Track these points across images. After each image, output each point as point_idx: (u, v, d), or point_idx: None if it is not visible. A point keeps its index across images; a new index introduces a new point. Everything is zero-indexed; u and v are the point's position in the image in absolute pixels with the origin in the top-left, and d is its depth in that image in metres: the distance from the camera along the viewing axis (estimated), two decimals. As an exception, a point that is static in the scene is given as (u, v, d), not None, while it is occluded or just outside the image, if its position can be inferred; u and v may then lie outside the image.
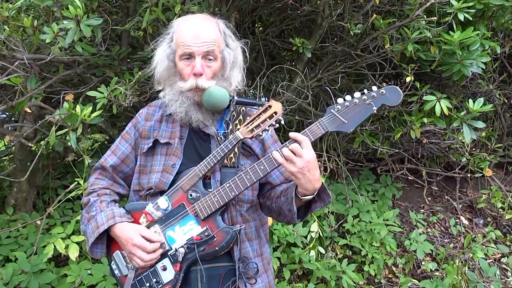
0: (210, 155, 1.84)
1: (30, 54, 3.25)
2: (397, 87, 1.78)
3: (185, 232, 1.85)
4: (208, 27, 1.89)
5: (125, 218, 1.89)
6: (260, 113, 1.83)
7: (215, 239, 1.81)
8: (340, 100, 1.80)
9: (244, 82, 2.07)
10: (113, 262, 1.96)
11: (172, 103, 1.93)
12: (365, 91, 1.80)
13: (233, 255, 1.87)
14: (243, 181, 1.80)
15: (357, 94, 1.79)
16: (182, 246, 1.83)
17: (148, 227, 1.88)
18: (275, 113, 1.81)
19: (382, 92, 1.78)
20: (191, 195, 1.85)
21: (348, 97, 1.80)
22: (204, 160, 1.84)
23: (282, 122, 1.85)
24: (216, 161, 1.83)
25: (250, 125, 1.83)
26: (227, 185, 1.81)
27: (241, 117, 2.04)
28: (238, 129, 1.96)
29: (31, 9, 3.49)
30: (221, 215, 1.85)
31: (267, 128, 1.82)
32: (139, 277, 1.89)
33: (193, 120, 1.93)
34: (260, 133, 1.82)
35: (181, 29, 1.90)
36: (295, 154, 1.70)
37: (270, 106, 1.82)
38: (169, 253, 1.86)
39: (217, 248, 1.81)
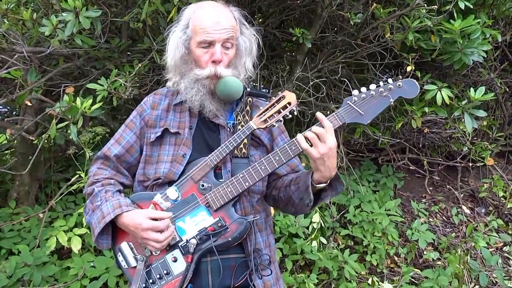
0: (222, 145, 1.82)
1: (30, 47, 3.24)
2: (414, 80, 1.78)
3: (197, 223, 1.82)
4: (225, 14, 1.87)
5: (131, 207, 1.85)
6: (274, 104, 1.82)
7: (229, 230, 1.79)
8: (355, 92, 1.78)
9: (254, 71, 2.04)
10: (119, 254, 1.92)
11: (188, 91, 1.90)
12: (381, 83, 1.79)
13: (245, 246, 1.86)
14: (258, 171, 1.79)
15: (372, 86, 1.78)
16: (194, 237, 1.80)
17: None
18: (289, 103, 1.80)
19: (399, 85, 1.77)
20: (202, 185, 1.82)
21: (363, 89, 1.78)
22: (215, 150, 1.82)
23: (296, 113, 1.83)
24: (228, 151, 1.81)
25: (263, 115, 1.81)
26: (241, 175, 1.79)
27: (248, 107, 2.02)
28: (247, 120, 1.95)
29: (30, 2, 3.48)
30: (234, 206, 1.83)
31: (280, 119, 1.81)
32: (148, 269, 1.85)
33: (206, 110, 1.91)
34: (274, 124, 1.81)
35: (199, 15, 1.87)
36: (319, 139, 1.69)
37: (284, 97, 1.81)
38: (179, 244, 1.82)
39: (230, 239, 1.79)
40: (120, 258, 1.92)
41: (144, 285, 1.85)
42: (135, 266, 1.86)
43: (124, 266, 1.91)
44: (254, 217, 1.83)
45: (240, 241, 1.82)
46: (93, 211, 1.89)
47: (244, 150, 1.91)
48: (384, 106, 1.78)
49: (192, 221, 1.83)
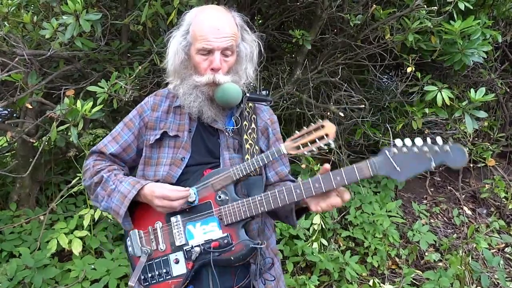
0: (248, 161, 1.82)
1: (30, 50, 3.25)
2: (465, 149, 1.60)
3: (206, 231, 1.83)
4: (226, 21, 1.85)
5: (148, 181, 1.86)
6: (311, 131, 1.76)
7: (233, 249, 1.79)
8: (398, 142, 1.63)
9: (255, 76, 2.03)
10: (128, 238, 1.95)
11: (186, 97, 1.89)
12: (428, 140, 1.61)
13: (250, 267, 1.87)
14: (276, 200, 1.75)
15: (418, 142, 1.61)
16: (199, 245, 1.81)
17: (169, 216, 1.87)
18: (327, 135, 1.74)
19: (446, 150, 1.59)
20: (220, 196, 1.82)
21: (408, 142, 1.62)
22: (241, 165, 1.81)
23: (332, 146, 1.76)
24: (253, 168, 1.81)
25: (297, 140, 1.77)
26: (259, 198, 1.77)
27: (253, 114, 2.02)
28: (253, 128, 1.96)
29: (31, 5, 3.49)
30: (245, 225, 1.83)
31: (314, 149, 1.76)
32: (150, 262, 1.88)
33: (205, 116, 1.90)
34: (305, 153, 1.77)
35: (199, 21, 1.85)
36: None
37: (323, 126, 1.75)
38: (184, 248, 1.84)
39: (232, 258, 1.79)
40: (129, 243, 1.96)
41: (143, 276, 1.89)
42: (140, 256, 1.90)
43: (131, 252, 1.95)
44: (261, 244, 1.81)
45: (243, 263, 1.83)
46: (109, 196, 1.88)
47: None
48: (423, 169, 1.62)
49: (202, 228, 1.84)
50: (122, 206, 1.83)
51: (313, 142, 1.76)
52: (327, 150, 1.79)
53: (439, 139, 1.60)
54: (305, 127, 1.80)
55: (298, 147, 1.77)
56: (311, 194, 1.71)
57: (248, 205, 1.78)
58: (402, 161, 1.61)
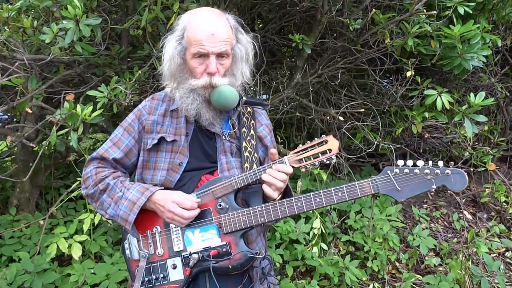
0: (250, 171, 1.83)
1: (31, 54, 3.25)
2: (465, 174, 1.65)
3: (204, 239, 1.84)
4: (221, 25, 1.85)
5: (158, 188, 1.87)
6: (314, 145, 1.81)
7: (231, 258, 1.80)
8: (400, 162, 1.70)
9: (252, 78, 2.04)
10: (126, 241, 1.97)
11: (184, 100, 1.90)
12: (430, 163, 1.68)
13: (251, 273, 1.88)
14: (276, 211, 1.78)
15: (420, 163, 1.68)
16: (197, 252, 1.82)
17: (168, 222, 1.87)
18: (330, 150, 1.79)
19: (447, 173, 1.65)
20: (220, 204, 1.83)
21: (410, 163, 1.69)
22: (243, 174, 1.83)
23: (334, 161, 1.82)
24: (255, 179, 1.82)
25: (300, 154, 1.81)
26: (259, 208, 1.79)
27: (252, 119, 2.04)
28: (252, 135, 1.96)
29: (31, 9, 3.50)
30: (243, 234, 1.84)
31: (316, 163, 1.80)
32: (148, 266, 1.89)
33: (202, 118, 1.91)
34: (307, 166, 1.81)
35: (194, 26, 1.85)
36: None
37: (326, 141, 1.80)
38: (182, 254, 1.85)
39: (230, 267, 1.80)
40: (126, 246, 1.97)
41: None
42: (138, 259, 1.91)
43: (128, 255, 1.96)
44: (259, 254, 1.82)
45: (241, 272, 1.84)
46: (116, 203, 1.88)
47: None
48: (423, 190, 1.68)
49: (201, 235, 1.85)
50: (131, 213, 1.83)
51: (315, 156, 1.80)
52: (327, 163, 1.81)
53: (440, 163, 1.66)
54: (308, 141, 1.84)
55: (300, 160, 1.81)
56: (311, 208, 1.75)
57: (248, 215, 1.80)
58: (403, 181, 1.68)
